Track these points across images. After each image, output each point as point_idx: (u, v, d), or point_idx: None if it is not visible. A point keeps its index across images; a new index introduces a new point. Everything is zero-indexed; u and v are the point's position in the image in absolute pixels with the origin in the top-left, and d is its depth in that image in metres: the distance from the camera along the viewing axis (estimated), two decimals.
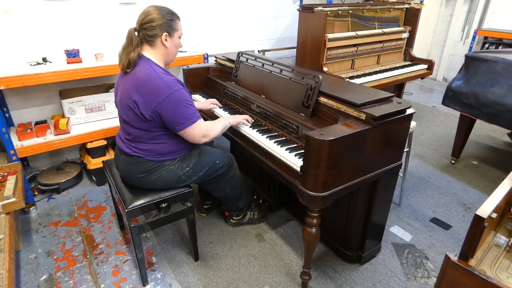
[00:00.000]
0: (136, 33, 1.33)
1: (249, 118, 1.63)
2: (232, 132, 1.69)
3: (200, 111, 1.79)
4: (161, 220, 1.47)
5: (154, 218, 1.45)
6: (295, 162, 1.37)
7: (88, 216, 1.82)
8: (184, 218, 1.53)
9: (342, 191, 1.32)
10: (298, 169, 1.34)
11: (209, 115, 1.84)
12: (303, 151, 1.37)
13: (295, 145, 1.48)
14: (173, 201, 1.51)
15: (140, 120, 1.37)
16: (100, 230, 1.75)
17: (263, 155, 1.50)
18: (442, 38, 3.60)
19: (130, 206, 1.41)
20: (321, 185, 1.26)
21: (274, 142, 1.50)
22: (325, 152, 1.22)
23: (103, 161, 1.64)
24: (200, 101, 1.79)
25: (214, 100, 1.78)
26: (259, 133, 1.59)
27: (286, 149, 1.44)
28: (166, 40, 1.34)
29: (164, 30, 1.32)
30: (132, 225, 1.42)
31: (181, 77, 2.28)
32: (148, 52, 1.35)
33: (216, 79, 2.00)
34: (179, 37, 1.39)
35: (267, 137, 1.54)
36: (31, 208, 1.84)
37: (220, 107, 1.75)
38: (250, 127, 1.62)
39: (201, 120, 1.43)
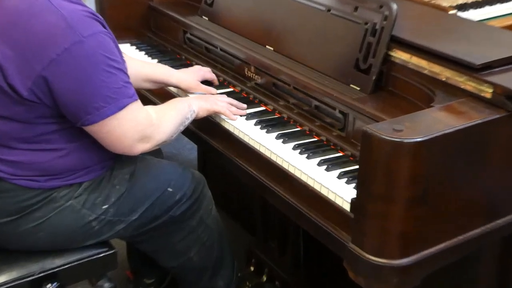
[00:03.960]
0: None
1: (238, 103, 1.65)
2: (203, 128, 1.70)
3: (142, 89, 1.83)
4: None
5: None
6: (340, 190, 1.31)
7: None
8: None
9: (444, 257, 1.29)
10: (346, 206, 1.29)
11: (157, 94, 1.86)
12: (356, 166, 1.35)
13: (338, 153, 1.46)
14: (71, 278, 1.52)
15: (7, 100, 1.36)
16: None
17: (270, 176, 1.48)
18: None
19: None
20: (398, 242, 1.21)
21: (294, 148, 1.47)
22: (406, 169, 1.16)
23: None
24: (158, 68, 1.86)
25: (203, 71, 1.82)
26: (262, 128, 1.57)
27: (320, 163, 1.42)
28: None
29: None
30: None
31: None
32: None
33: (168, 10, 2.04)
34: None
35: (278, 137, 1.52)
36: None
37: (215, 83, 1.82)
38: (243, 117, 1.62)
39: (138, 104, 1.43)
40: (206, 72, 1.81)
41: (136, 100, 1.41)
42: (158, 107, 1.55)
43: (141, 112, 1.43)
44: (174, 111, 1.54)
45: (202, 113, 1.61)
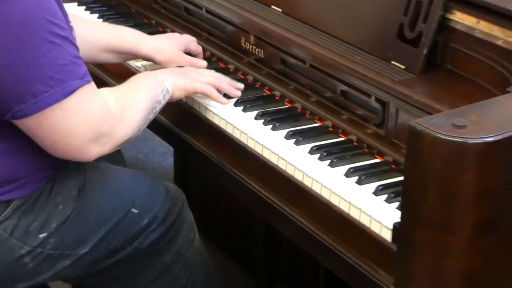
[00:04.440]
0: None
1: (230, 80, 1.70)
2: (182, 124, 1.74)
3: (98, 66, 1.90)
4: None
5: None
6: (377, 211, 1.32)
7: None
8: None
9: None
10: (386, 234, 1.29)
11: (116, 74, 1.89)
12: (400, 177, 1.36)
13: (375, 159, 1.49)
14: None
15: None
16: None
17: (278, 191, 1.51)
18: None
19: None
20: (460, 285, 1.23)
21: (312, 152, 1.49)
22: (472, 181, 1.15)
23: None
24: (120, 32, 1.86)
25: (186, 39, 1.86)
26: (266, 123, 1.60)
27: (349, 172, 1.43)
28: None
29: None
30: None
31: None
32: None
33: None
34: None
35: (288, 136, 1.55)
36: None
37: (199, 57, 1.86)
38: (238, 103, 1.65)
39: (91, 88, 1.44)
40: (190, 41, 1.85)
41: (89, 82, 1.41)
42: (117, 90, 1.56)
43: (95, 99, 1.43)
44: (140, 93, 1.55)
45: (179, 93, 1.63)
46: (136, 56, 1.82)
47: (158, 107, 1.58)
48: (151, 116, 1.57)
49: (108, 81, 1.90)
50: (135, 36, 1.82)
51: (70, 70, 1.37)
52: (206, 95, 1.64)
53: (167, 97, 1.60)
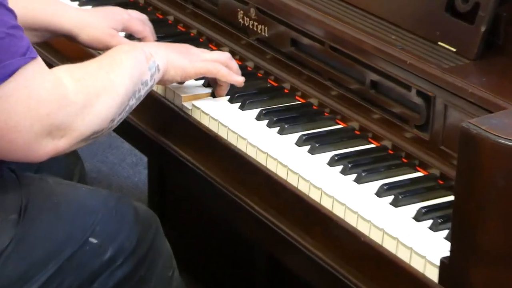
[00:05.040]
0: None
1: (235, 64, 1.73)
2: (160, 126, 1.77)
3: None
4: None
5: None
6: (418, 241, 1.32)
7: None
8: None
9: None
10: (432, 273, 1.28)
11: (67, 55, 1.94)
12: (450, 197, 1.37)
13: (416, 172, 1.51)
14: None
15: None
16: None
17: (286, 215, 1.51)
18: None
19: None
20: None
21: (332, 162, 1.51)
22: None
23: None
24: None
25: (127, 15, 1.90)
26: (271, 124, 1.62)
27: (382, 190, 1.43)
28: None
29: None
30: None
31: None
32: None
33: None
34: None
35: (300, 142, 1.56)
36: None
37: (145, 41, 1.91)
38: (234, 98, 1.68)
39: (38, 66, 1.46)
40: (132, 18, 1.90)
41: (34, 59, 1.42)
42: (81, 67, 1.57)
43: (45, 80, 1.43)
44: (116, 70, 1.57)
45: (174, 73, 1.66)
46: (54, 33, 1.82)
47: (144, 90, 1.59)
48: (133, 102, 1.58)
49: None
50: (54, 8, 1.83)
51: (7, 45, 1.37)
52: (212, 75, 1.65)
53: (157, 77, 1.61)
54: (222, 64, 1.67)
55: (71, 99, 1.45)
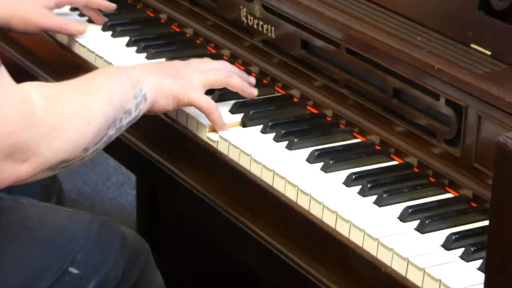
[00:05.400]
0: None
1: (244, 74, 1.75)
2: (152, 141, 1.77)
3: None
4: None
5: None
6: (448, 272, 1.32)
7: None
8: None
9: None
10: None
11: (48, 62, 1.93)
12: (484, 222, 1.38)
13: (446, 193, 1.52)
14: None
15: None
16: None
17: (298, 243, 1.52)
18: None
19: None
20: None
21: (349, 182, 1.53)
22: None
23: None
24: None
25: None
26: (279, 138, 1.64)
27: (406, 214, 1.45)
28: None
29: None
30: None
31: None
32: None
33: None
34: None
35: (312, 158, 1.58)
36: None
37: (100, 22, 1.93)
38: (235, 108, 1.70)
39: (1, 74, 1.44)
40: None
41: None
42: (54, 86, 1.61)
43: (7, 93, 1.42)
44: (95, 94, 1.56)
45: (165, 102, 1.66)
46: None
47: (126, 120, 1.59)
48: (113, 133, 1.58)
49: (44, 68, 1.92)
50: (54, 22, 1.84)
51: None
52: (205, 114, 1.63)
53: (144, 107, 1.62)
54: (220, 83, 1.68)
55: (38, 117, 1.44)
